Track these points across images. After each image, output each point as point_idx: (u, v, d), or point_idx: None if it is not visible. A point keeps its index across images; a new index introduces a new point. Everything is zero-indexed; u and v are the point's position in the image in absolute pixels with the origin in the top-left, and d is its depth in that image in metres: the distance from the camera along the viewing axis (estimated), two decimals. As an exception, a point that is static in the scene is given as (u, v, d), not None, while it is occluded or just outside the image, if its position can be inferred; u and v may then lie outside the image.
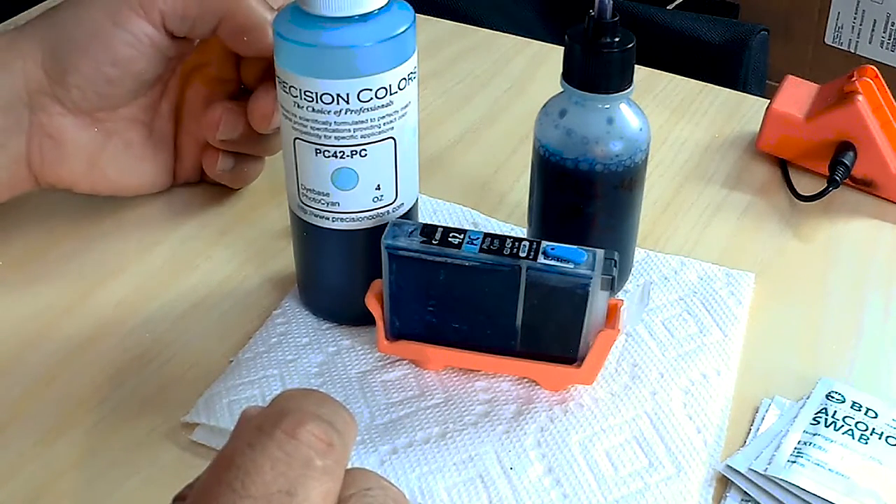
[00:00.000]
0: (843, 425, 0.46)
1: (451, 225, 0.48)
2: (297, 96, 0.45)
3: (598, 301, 0.45)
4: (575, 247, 0.45)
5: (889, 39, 1.53)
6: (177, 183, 0.62)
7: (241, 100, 0.57)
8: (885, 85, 0.63)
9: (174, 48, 0.55)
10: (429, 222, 0.48)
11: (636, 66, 0.49)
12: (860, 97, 0.61)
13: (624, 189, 0.50)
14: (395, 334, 0.48)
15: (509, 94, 0.74)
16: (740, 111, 0.72)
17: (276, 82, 0.47)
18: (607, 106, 0.49)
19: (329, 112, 0.45)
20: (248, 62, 0.58)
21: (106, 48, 0.52)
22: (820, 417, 0.47)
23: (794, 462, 0.44)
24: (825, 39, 1.59)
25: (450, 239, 0.45)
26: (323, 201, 0.48)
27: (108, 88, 0.54)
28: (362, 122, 0.45)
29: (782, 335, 0.53)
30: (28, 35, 0.53)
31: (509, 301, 0.46)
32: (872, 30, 1.54)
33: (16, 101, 0.53)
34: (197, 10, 0.53)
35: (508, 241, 0.45)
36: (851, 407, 0.47)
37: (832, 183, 0.61)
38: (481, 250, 0.45)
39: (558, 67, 0.49)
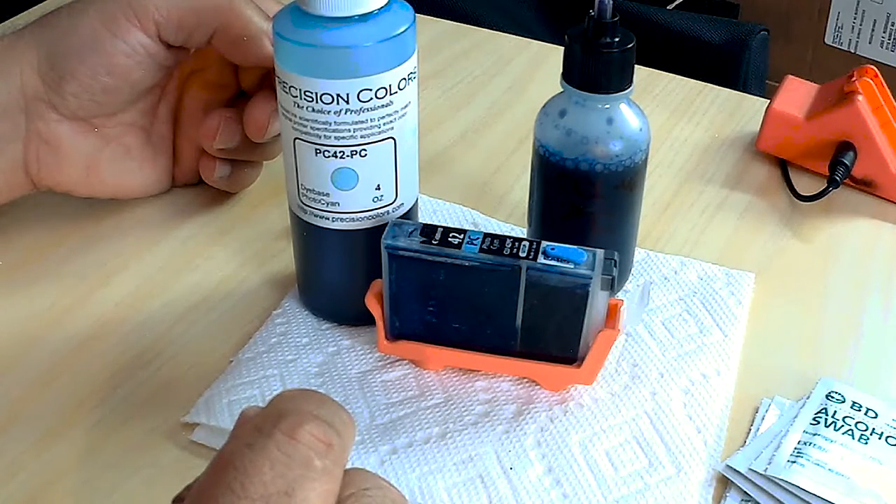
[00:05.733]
0: (843, 425, 0.46)
1: (451, 225, 0.48)
2: (297, 96, 0.45)
3: (598, 301, 0.45)
4: (575, 247, 0.45)
5: (889, 39, 1.53)
6: (176, 185, 0.62)
7: (239, 107, 0.57)
8: (885, 85, 0.63)
9: (170, 57, 0.55)
10: (429, 222, 0.48)
11: (636, 66, 0.49)
12: (860, 97, 0.61)
13: (624, 189, 0.50)
14: (395, 334, 0.48)
15: (509, 94, 0.74)
16: (740, 111, 0.72)
17: (276, 82, 0.47)
18: (607, 106, 0.49)
19: (329, 112, 0.45)
20: (246, 68, 0.58)
21: (102, 57, 0.52)
22: (820, 417, 0.47)
23: (794, 462, 0.44)
24: (825, 39, 1.59)
25: (450, 239, 0.45)
26: (323, 201, 0.48)
27: (105, 96, 0.54)
28: (362, 122, 0.45)
29: (782, 335, 0.53)
30: (25, 41, 0.53)
31: (509, 301, 0.46)
32: (872, 30, 1.54)
33: (13, 106, 0.53)
34: (192, 20, 0.53)
35: (508, 241, 0.45)
36: (851, 407, 0.47)
37: (832, 183, 0.61)
38: (481, 250, 0.45)
39: (558, 67, 0.49)
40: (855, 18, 1.55)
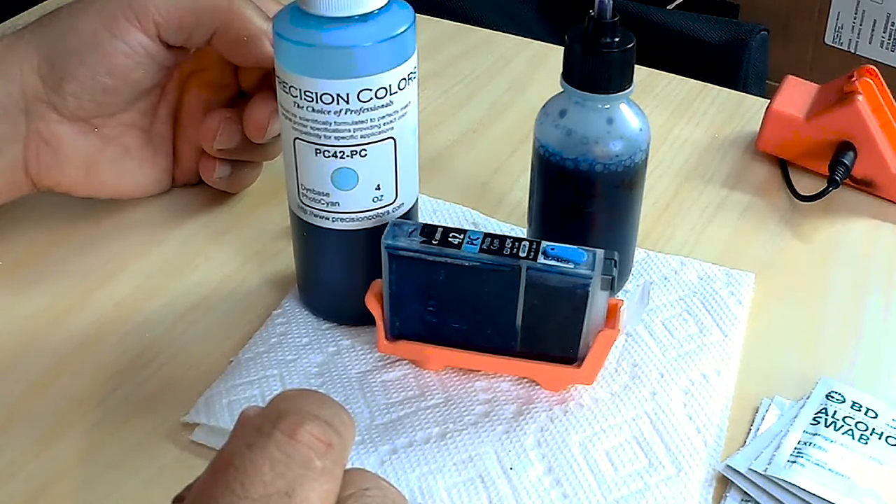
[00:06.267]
0: (843, 425, 0.46)
1: (451, 225, 0.48)
2: (297, 96, 0.45)
3: (598, 301, 0.45)
4: (575, 247, 0.45)
5: (889, 39, 1.53)
6: (175, 185, 0.62)
7: (239, 107, 0.57)
8: (885, 85, 0.63)
9: (170, 57, 0.55)
10: (429, 222, 0.48)
11: (636, 66, 0.49)
12: (860, 97, 0.61)
13: (624, 189, 0.50)
14: (395, 334, 0.48)
15: (509, 94, 0.74)
16: (740, 111, 0.72)
17: (276, 82, 0.47)
18: (607, 106, 0.49)
19: (329, 112, 0.45)
20: (246, 68, 0.58)
21: (102, 58, 0.52)
22: (820, 417, 0.47)
23: (794, 462, 0.44)
24: (825, 39, 1.59)
25: (450, 239, 0.45)
26: (323, 201, 0.48)
27: (105, 97, 0.54)
28: (362, 122, 0.45)
29: (782, 335, 0.53)
30: (25, 41, 0.53)
31: (509, 301, 0.46)
32: (872, 30, 1.54)
33: (13, 107, 0.53)
34: (192, 21, 0.53)
35: (508, 241, 0.45)
36: (851, 407, 0.47)
37: (832, 183, 0.61)
38: (481, 250, 0.45)
39: (558, 67, 0.49)
40: (855, 18, 1.55)
